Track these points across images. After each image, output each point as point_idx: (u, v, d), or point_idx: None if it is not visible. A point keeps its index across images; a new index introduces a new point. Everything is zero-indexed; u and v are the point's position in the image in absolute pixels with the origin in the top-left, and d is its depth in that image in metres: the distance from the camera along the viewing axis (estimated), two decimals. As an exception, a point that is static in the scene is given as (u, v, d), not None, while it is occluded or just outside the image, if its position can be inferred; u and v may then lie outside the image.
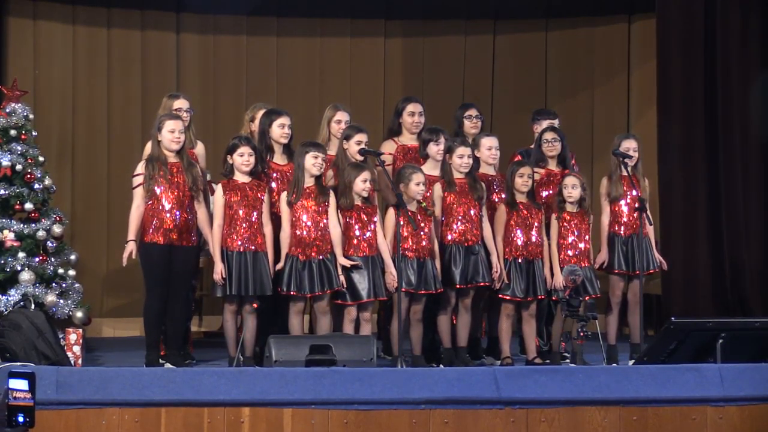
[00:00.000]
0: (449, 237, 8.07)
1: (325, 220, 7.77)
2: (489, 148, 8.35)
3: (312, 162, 7.75)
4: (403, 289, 7.74)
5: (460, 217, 8.06)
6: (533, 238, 8.19)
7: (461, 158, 8.10)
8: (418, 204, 7.94)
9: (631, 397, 6.86)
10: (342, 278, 7.74)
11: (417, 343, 8.01)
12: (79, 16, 10.89)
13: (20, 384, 3.61)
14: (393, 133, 8.66)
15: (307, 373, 6.81)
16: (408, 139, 8.59)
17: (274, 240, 7.83)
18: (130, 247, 7.66)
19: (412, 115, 8.56)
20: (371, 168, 7.97)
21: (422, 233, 7.89)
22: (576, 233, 8.29)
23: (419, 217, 7.90)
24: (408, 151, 8.54)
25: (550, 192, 8.53)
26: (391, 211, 7.90)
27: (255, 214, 7.76)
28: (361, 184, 7.82)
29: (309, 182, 7.80)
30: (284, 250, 7.78)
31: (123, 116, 10.94)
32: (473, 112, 8.88)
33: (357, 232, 7.84)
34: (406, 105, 8.62)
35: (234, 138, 7.98)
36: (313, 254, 7.72)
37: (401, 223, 7.72)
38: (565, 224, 8.29)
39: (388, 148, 8.50)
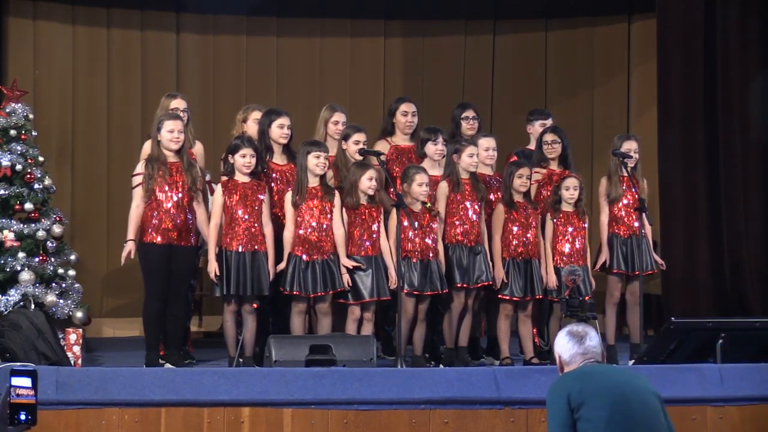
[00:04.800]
0: (452, 237, 8.07)
1: (329, 221, 7.77)
2: (486, 148, 8.35)
3: (315, 162, 7.76)
4: (405, 291, 7.74)
5: (464, 217, 8.06)
6: (531, 238, 8.20)
7: (471, 157, 8.11)
8: (423, 204, 7.94)
9: (631, 397, 6.85)
10: (346, 278, 7.74)
11: (419, 343, 8.00)
12: (78, 16, 10.90)
13: (23, 381, 3.61)
14: (386, 133, 8.67)
15: (307, 373, 6.81)
16: (401, 140, 8.60)
17: (275, 240, 7.83)
18: (129, 247, 7.66)
19: (405, 115, 8.56)
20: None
21: (427, 233, 7.88)
22: (571, 233, 8.28)
23: (421, 217, 7.89)
24: (401, 152, 8.55)
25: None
26: (395, 212, 7.90)
27: (254, 214, 7.76)
28: (367, 182, 7.82)
29: (313, 182, 7.80)
30: (287, 250, 7.79)
31: (123, 116, 10.94)
32: (470, 113, 8.87)
33: (361, 232, 7.85)
34: (399, 105, 8.63)
35: (236, 138, 7.97)
36: (316, 255, 7.72)
37: (404, 223, 7.72)
38: (560, 225, 8.29)
39: (382, 148, 8.49)
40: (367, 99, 11.29)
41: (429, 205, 7.97)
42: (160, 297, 7.72)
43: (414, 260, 7.86)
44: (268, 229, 7.80)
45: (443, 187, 8.10)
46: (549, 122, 9.00)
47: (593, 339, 4.86)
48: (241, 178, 7.81)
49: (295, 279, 7.71)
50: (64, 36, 10.86)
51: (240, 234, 7.72)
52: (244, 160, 7.77)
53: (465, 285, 8.03)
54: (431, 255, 7.91)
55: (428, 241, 7.91)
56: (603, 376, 4.76)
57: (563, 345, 4.87)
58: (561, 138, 8.57)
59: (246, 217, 7.74)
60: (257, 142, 8.01)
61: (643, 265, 8.34)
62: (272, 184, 8.04)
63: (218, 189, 7.82)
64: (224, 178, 7.84)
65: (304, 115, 9.53)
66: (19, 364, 6.89)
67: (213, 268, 7.68)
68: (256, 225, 7.76)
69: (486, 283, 8.08)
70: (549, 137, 8.59)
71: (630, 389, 4.75)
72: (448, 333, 8.12)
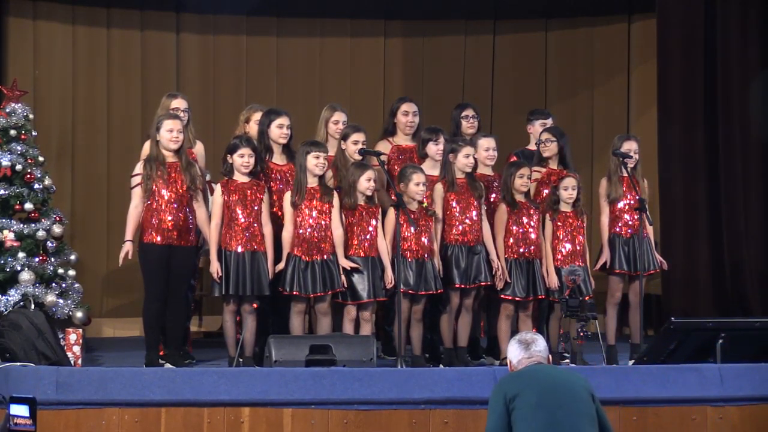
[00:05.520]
0: (451, 237, 8.08)
1: (327, 221, 7.77)
2: (487, 148, 8.35)
3: (314, 162, 7.76)
4: (402, 290, 7.74)
5: (461, 217, 8.07)
6: (532, 238, 8.20)
7: (467, 158, 8.12)
8: (419, 204, 7.94)
9: (631, 397, 6.87)
10: (343, 278, 7.75)
11: (417, 343, 8.01)
12: (78, 16, 10.90)
13: (21, 410, 3.61)
14: (388, 133, 8.68)
15: (307, 373, 6.81)
16: (402, 140, 8.60)
17: (274, 240, 7.83)
18: (127, 248, 7.66)
19: (406, 115, 8.57)
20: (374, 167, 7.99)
21: (423, 233, 7.89)
22: (570, 233, 8.29)
23: (418, 217, 7.90)
24: (403, 152, 8.55)
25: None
26: (391, 211, 7.90)
27: (254, 214, 7.76)
28: (366, 183, 7.82)
29: (312, 182, 7.80)
30: (286, 250, 7.79)
31: (123, 116, 10.94)
32: (470, 112, 8.89)
33: (359, 232, 7.85)
34: (400, 105, 8.64)
35: (235, 138, 7.98)
36: (315, 255, 7.73)
37: (401, 223, 7.72)
38: (559, 224, 8.29)
39: (383, 148, 8.50)
40: (367, 99, 11.29)
41: (426, 204, 7.97)
42: (160, 297, 7.72)
43: (409, 260, 7.86)
44: (268, 229, 7.80)
45: (438, 189, 8.10)
46: (549, 122, 9.02)
47: (539, 345, 5.50)
48: (240, 177, 7.81)
49: (294, 279, 7.72)
50: (64, 36, 10.86)
51: (239, 234, 7.73)
52: (242, 159, 7.77)
53: (463, 285, 8.03)
54: (426, 255, 7.91)
55: (424, 240, 7.92)
56: (538, 372, 5.38)
57: (513, 351, 5.51)
58: (555, 137, 8.58)
59: (245, 217, 7.74)
60: (257, 142, 8.01)
61: (645, 265, 8.34)
62: (271, 184, 8.04)
63: (217, 189, 7.83)
64: (224, 179, 7.84)
65: (304, 115, 9.53)
66: (19, 364, 6.91)
67: (215, 268, 7.68)
68: (255, 225, 7.76)
69: (483, 284, 8.09)
70: (543, 136, 8.62)
71: (560, 381, 5.33)
72: (447, 333, 8.13)
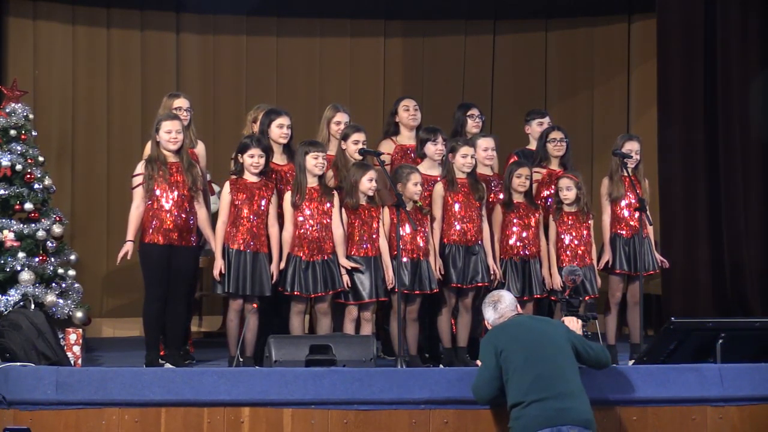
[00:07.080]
0: (449, 237, 8.07)
1: (328, 221, 7.77)
2: (485, 149, 8.35)
3: (313, 162, 7.76)
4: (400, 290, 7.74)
5: (460, 217, 8.07)
6: (530, 238, 8.20)
7: (465, 158, 8.11)
8: (414, 204, 7.94)
9: (631, 397, 6.86)
10: (346, 278, 7.75)
11: (413, 343, 8.01)
12: (78, 16, 10.90)
13: None
14: (390, 132, 8.67)
15: (307, 373, 6.81)
16: (406, 139, 8.60)
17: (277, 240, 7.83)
18: (127, 247, 7.66)
19: (407, 110, 8.58)
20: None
21: (419, 232, 7.89)
22: (575, 233, 8.30)
23: (416, 216, 7.90)
24: (406, 151, 8.55)
25: (552, 192, 8.53)
26: (386, 211, 7.90)
27: (260, 214, 7.75)
28: (367, 183, 7.82)
29: (312, 182, 7.80)
30: (286, 250, 7.78)
31: (123, 116, 10.94)
32: (475, 111, 8.89)
33: (361, 232, 7.85)
34: (400, 102, 8.65)
35: (246, 138, 7.98)
36: (316, 255, 7.72)
37: (400, 222, 7.72)
38: (563, 225, 8.30)
39: (386, 148, 8.51)
40: (367, 99, 11.29)
41: (420, 204, 7.97)
42: (161, 297, 7.72)
43: (405, 259, 7.86)
44: (274, 230, 7.80)
45: (438, 188, 8.10)
46: (546, 120, 9.02)
47: (505, 301, 6.51)
48: (249, 177, 7.81)
49: (295, 279, 7.71)
50: (64, 36, 10.86)
51: (243, 233, 7.72)
52: (252, 159, 7.77)
53: (460, 285, 8.03)
54: (421, 254, 7.91)
55: (419, 240, 7.91)
56: (520, 327, 6.31)
57: (486, 312, 6.55)
58: (566, 136, 8.60)
59: (251, 216, 7.74)
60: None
61: (645, 266, 8.34)
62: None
63: (226, 187, 7.83)
64: (233, 177, 7.84)
65: (304, 115, 9.54)
66: (19, 364, 6.91)
67: (219, 265, 7.67)
68: (260, 226, 7.75)
69: (481, 284, 8.08)
70: (557, 135, 8.59)
71: (542, 335, 6.22)
72: (446, 333, 8.13)
